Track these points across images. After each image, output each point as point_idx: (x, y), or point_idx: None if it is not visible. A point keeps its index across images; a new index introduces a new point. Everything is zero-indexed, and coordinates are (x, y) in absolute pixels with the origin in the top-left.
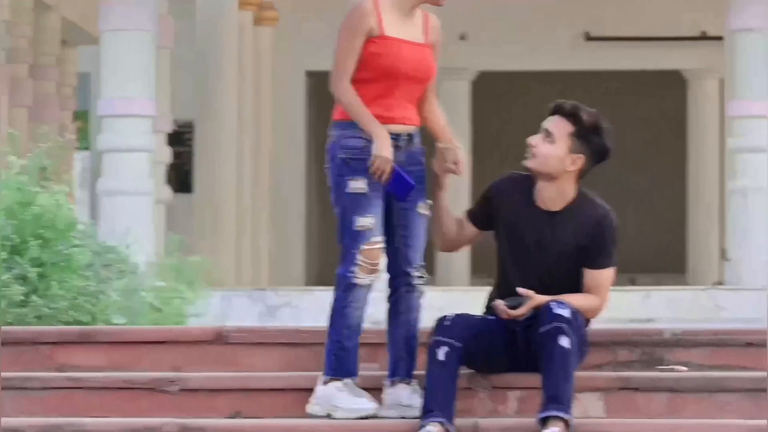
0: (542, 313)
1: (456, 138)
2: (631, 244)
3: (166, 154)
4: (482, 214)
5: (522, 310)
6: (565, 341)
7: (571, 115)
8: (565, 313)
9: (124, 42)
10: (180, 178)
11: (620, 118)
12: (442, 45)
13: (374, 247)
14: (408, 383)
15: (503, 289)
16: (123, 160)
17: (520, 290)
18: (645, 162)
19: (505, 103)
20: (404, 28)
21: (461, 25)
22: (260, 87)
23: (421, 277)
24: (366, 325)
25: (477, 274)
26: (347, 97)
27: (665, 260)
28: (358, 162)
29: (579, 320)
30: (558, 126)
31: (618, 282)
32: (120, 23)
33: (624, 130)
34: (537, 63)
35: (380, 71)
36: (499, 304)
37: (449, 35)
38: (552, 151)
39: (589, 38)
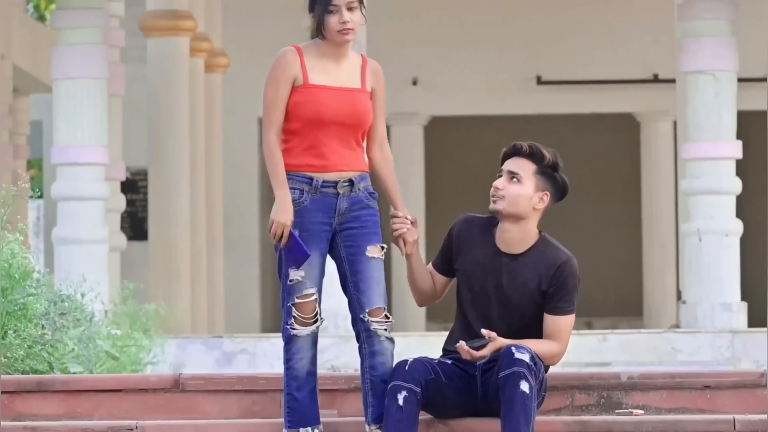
0: (502, 357)
1: (403, 205)
2: (587, 287)
3: (120, 202)
4: (445, 262)
5: (484, 352)
6: (525, 386)
7: (532, 155)
8: (525, 357)
9: (76, 89)
10: (135, 225)
11: (574, 162)
12: (395, 89)
13: (307, 300)
14: (378, 427)
15: (463, 332)
16: (77, 209)
17: (484, 331)
18: (599, 205)
19: (458, 146)
20: (333, 74)
21: (413, 70)
22: (212, 133)
23: (382, 321)
24: (322, 371)
25: (432, 319)
26: (268, 149)
27: (622, 303)
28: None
29: (538, 365)
30: (521, 166)
31: (575, 326)
32: (72, 71)
33: (578, 174)
34: (489, 107)
35: (305, 120)
36: (462, 345)
37: (401, 80)
38: (520, 190)
39: (541, 82)
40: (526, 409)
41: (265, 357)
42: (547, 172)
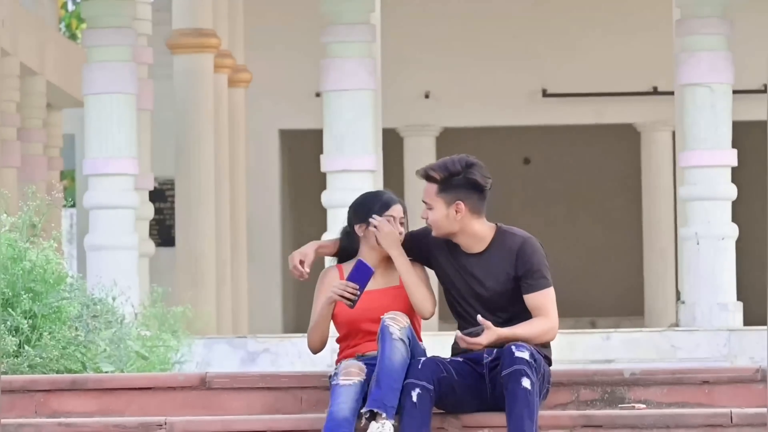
0: (503, 356)
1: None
2: (591, 288)
3: (149, 210)
4: (417, 249)
5: (481, 340)
6: (526, 382)
7: (428, 178)
8: (525, 355)
9: (106, 104)
10: (163, 232)
11: (577, 170)
12: (408, 102)
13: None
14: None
15: (464, 328)
16: (108, 217)
17: (479, 318)
18: (602, 210)
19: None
20: (373, 280)
21: (425, 84)
22: (235, 145)
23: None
24: None
25: (445, 320)
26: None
27: (624, 303)
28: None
29: (538, 360)
30: (427, 192)
31: (579, 325)
32: (102, 87)
33: (581, 181)
34: (497, 118)
35: (344, 327)
36: (458, 334)
37: (414, 94)
38: (435, 215)
39: (547, 94)
40: (529, 403)
41: (287, 356)
42: (448, 183)
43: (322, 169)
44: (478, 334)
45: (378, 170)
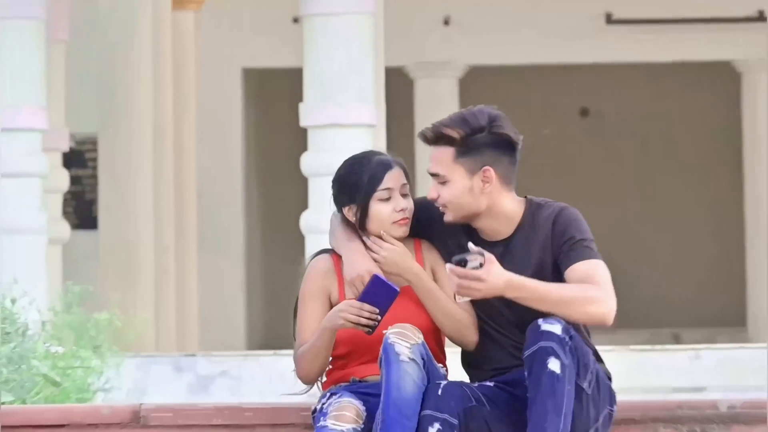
0: (528, 332)
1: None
2: (673, 289)
3: (63, 179)
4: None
5: (480, 276)
6: (554, 364)
7: (439, 139)
8: (555, 329)
9: (5, 33)
10: (81, 210)
11: (652, 125)
12: (421, 32)
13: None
14: None
15: (487, 350)
16: (6, 188)
17: (471, 246)
18: (685, 181)
19: (502, 104)
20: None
21: (444, 7)
22: (183, 90)
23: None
24: None
25: None
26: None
27: (719, 310)
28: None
29: (575, 338)
30: (439, 160)
31: (656, 340)
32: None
33: (658, 141)
34: (542, 54)
35: (346, 345)
36: (450, 266)
37: (430, 20)
38: (453, 191)
39: (611, 21)
40: (555, 393)
41: (252, 381)
42: (470, 144)
43: (302, 123)
44: (475, 266)
45: (379, 125)
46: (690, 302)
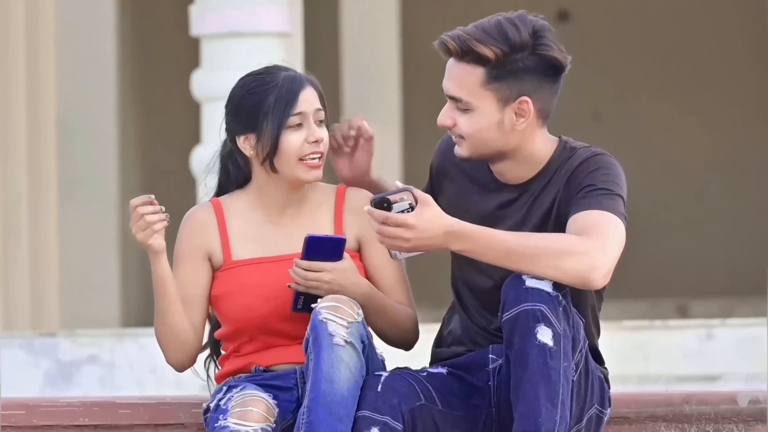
0: (506, 288)
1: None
2: (679, 247)
3: None
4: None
5: (407, 222)
6: (545, 333)
7: (467, 54)
8: (543, 286)
9: None
10: None
11: (649, 27)
12: None
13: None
14: None
15: (462, 322)
16: None
17: (399, 183)
18: (695, 117)
19: (457, 7)
20: (275, 238)
21: None
22: None
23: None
24: None
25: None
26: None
27: (738, 276)
28: None
29: (569, 300)
30: (462, 82)
31: (658, 313)
32: None
33: (663, 47)
34: None
35: (233, 322)
36: (367, 209)
37: None
38: (479, 123)
39: None
40: (549, 374)
41: (129, 369)
42: (506, 69)
43: (193, 31)
44: (403, 209)
45: (294, 32)
46: (701, 265)
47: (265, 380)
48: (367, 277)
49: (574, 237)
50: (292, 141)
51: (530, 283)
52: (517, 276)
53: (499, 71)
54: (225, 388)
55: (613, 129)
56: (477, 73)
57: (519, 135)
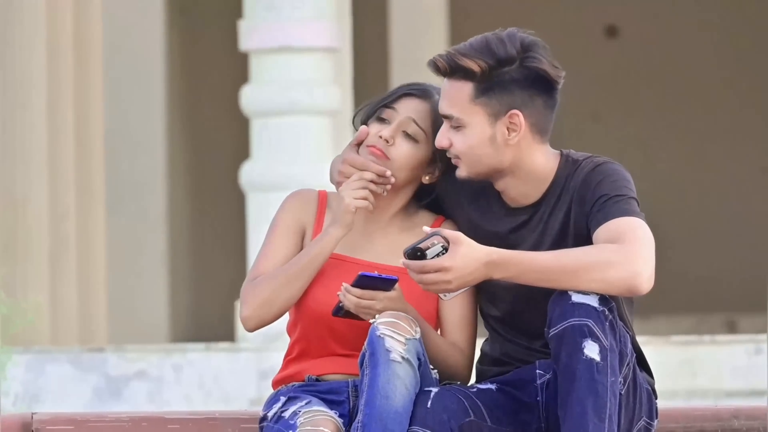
0: (552, 304)
1: None
2: (727, 264)
3: None
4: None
5: (446, 278)
6: (592, 349)
7: (455, 70)
8: (591, 301)
9: None
10: None
11: (685, 46)
12: None
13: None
14: None
15: (493, 343)
16: None
17: (426, 229)
18: (740, 121)
19: (505, 25)
20: (368, 242)
21: None
22: (84, 4)
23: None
24: None
25: None
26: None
27: None
28: None
29: (614, 311)
30: (452, 98)
31: (706, 328)
32: None
33: (706, 67)
34: None
35: (307, 324)
36: (403, 261)
37: None
38: (471, 140)
39: None
40: (596, 388)
41: (177, 384)
42: (494, 82)
43: (242, 46)
44: (437, 253)
45: (343, 47)
46: (750, 280)
47: (319, 392)
48: (438, 312)
49: (609, 247)
50: (370, 127)
51: (576, 298)
52: (563, 291)
53: (486, 85)
54: (283, 398)
55: (665, 144)
56: (466, 88)
57: (513, 150)
